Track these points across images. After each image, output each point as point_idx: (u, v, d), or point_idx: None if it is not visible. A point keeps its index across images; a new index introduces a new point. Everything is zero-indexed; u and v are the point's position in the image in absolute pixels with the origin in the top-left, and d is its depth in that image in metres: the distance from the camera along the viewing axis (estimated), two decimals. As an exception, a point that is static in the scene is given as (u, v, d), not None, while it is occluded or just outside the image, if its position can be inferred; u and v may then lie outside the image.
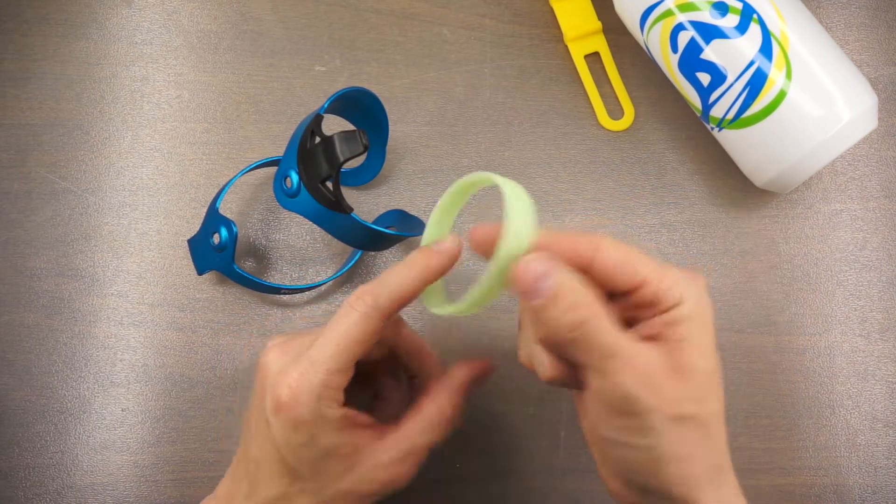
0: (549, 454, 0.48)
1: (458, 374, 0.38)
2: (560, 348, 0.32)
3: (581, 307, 0.30)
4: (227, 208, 0.50)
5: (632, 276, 0.31)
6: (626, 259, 0.32)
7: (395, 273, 0.35)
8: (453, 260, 0.36)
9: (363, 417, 0.36)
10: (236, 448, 0.47)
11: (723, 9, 0.44)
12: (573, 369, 0.33)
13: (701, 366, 0.31)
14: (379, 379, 0.41)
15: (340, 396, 0.34)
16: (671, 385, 0.30)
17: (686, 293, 0.31)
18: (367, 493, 0.35)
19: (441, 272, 0.36)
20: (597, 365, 0.30)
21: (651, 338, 0.31)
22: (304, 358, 0.34)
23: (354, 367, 0.35)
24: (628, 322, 0.32)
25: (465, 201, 0.38)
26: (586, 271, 0.32)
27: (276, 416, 0.33)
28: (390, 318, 0.35)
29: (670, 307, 0.31)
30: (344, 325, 0.34)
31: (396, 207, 0.50)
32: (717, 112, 0.45)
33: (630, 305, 0.32)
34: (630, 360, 0.30)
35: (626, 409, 0.30)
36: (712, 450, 0.31)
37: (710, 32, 0.44)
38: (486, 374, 0.39)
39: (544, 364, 0.33)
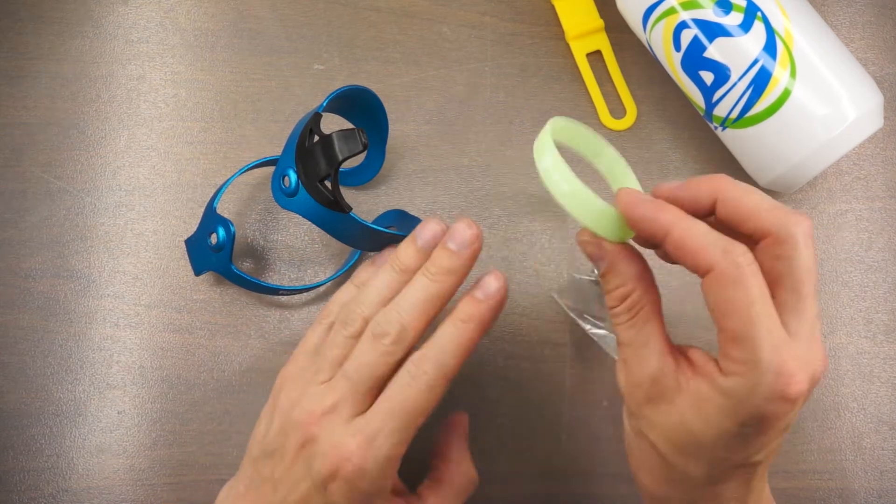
0: (550, 458, 0.47)
1: (461, 436, 0.40)
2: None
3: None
4: (224, 208, 0.50)
5: (754, 229, 0.32)
6: (743, 213, 0.32)
7: (452, 334, 0.35)
8: (503, 302, 0.36)
9: (401, 485, 0.37)
10: (235, 450, 0.47)
11: (726, 6, 0.43)
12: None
13: None
14: None
15: (398, 466, 0.35)
16: None
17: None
18: None
19: (495, 319, 0.36)
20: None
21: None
22: (364, 431, 0.34)
23: None
24: None
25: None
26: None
27: (335, 484, 0.34)
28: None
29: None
30: (410, 397, 0.34)
31: (396, 207, 0.50)
32: (720, 111, 0.45)
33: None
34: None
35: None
36: None
37: (713, 30, 0.43)
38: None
39: None
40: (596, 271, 0.49)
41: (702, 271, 0.30)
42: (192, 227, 0.49)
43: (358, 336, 0.36)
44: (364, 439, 0.33)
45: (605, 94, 0.51)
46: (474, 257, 0.36)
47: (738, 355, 0.29)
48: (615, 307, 0.34)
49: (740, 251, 0.30)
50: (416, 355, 0.35)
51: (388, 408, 0.34)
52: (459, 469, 0.39)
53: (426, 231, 0.37)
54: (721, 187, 0.32)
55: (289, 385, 0.37)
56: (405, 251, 0.37)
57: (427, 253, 0.37)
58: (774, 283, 0.31)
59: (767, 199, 0.32)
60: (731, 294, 0.29)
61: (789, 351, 0.29)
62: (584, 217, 0.34)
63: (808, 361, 0.30)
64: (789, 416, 0.30)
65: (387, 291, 0.37)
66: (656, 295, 0.34)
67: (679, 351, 0.33)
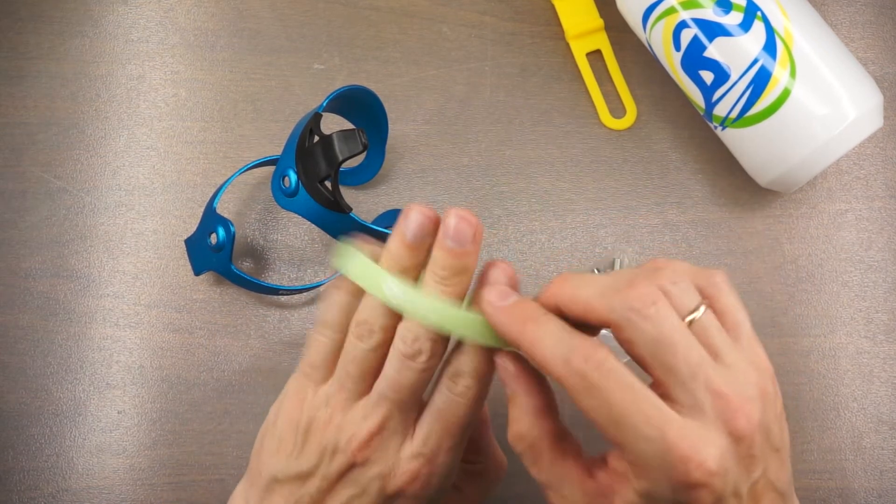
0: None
1: (488, 427, 0.39)
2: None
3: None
4: (224, 208, 0.50)
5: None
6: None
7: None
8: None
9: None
10: (235, 450, 0.47)
11: (726, 6, 0.43)
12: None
13: None
14: None
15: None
16: None
17: None
18: None
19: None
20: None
21: None
22: (423, 452, 0.34)
23: None
24: None
25: None
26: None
27: (400, 500, 0.34)
28: None
29: None
30: (460, 413, 0.34)
31: (396, 207, 0.50)
32: (720, 111, 0.45)
33: None
34: None
35: None
36: None
37: (713, 30, 0.43)
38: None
39: None
40: (597, 270, 0.49)
41: (561, 385, 0.29)
42: (191, 227, 0.49)
43: (378, 349, 0.34)
44: (426, 460, 0.34)
45: (604, 94, 0.51)
46: (479, 248, 0.33)
47: (630, 458, 0.27)
48: (516, 447, 0.32)
49: (582, 356, 0.28)
50: (450, 370, 0.34)
51: (441, 427, 0.34)
52: (492, 459, 0.39)
53: (412, 224, 0.33)
54: (555, 293, 0.30)
55: (313, 402, 0.35)
56: (398, 252, 0.33)
57: (421, 247, 0.33)
58: (643, 365, 0.29)
59: (599, 285, 0.29)
60: (588, 404, 0.28)
61: (676, 433, 0.26)
62: (462, 331, 0.33)
63: (707, 432, 0.27)
64: (716, 488, 0.27)
65: None
66: (556, 427, 0.32)
67: (601, 462, 0.31)
